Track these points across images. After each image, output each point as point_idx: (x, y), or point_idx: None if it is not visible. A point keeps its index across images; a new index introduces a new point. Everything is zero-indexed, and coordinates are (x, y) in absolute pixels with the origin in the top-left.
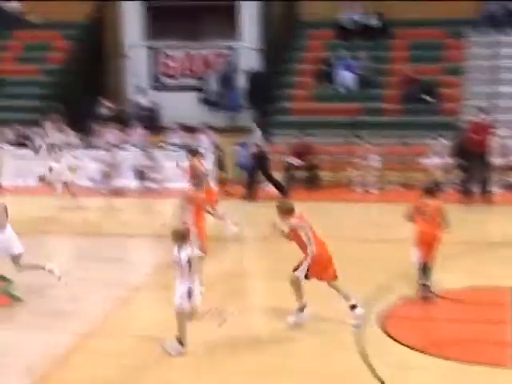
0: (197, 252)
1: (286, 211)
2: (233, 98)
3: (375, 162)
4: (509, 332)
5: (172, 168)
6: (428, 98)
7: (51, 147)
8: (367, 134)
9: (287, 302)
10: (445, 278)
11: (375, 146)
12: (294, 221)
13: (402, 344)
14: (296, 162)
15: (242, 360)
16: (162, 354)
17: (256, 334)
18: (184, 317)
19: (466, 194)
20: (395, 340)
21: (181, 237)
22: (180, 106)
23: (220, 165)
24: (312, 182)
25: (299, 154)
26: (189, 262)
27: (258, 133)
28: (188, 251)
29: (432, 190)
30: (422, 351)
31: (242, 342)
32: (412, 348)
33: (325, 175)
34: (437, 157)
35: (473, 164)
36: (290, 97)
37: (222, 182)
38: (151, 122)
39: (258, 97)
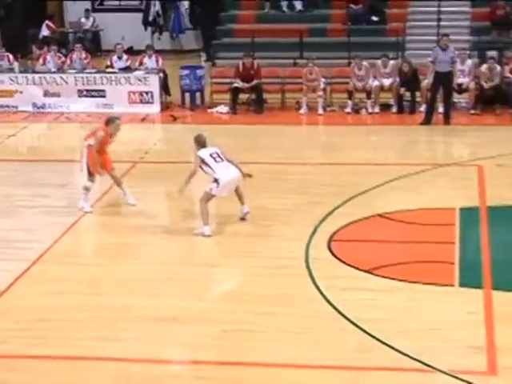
0: None
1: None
2: (177, 19)
3: (322, 84)
4: (455, 252)
5: (114, 92)
6: (374, 18)
7: None
8: (314, 56)
9: None
10: (394, 199)
11: (321, 67)
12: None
13: (350, 266)
14: (241, 84)
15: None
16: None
17: (205, 257)
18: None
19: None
20: (343, 262)
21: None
22: (123, 28)
23: (164, 88)
24: (258, 105)
25: (245, 76)
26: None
27: None
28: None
29: None
30: (369, 272)
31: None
32: (360, 269)
33: (271, 97)
34: (384, 77)
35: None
36: (234, 18)
37: (166, 106)
38: (93, 44)
39: (202, 18)
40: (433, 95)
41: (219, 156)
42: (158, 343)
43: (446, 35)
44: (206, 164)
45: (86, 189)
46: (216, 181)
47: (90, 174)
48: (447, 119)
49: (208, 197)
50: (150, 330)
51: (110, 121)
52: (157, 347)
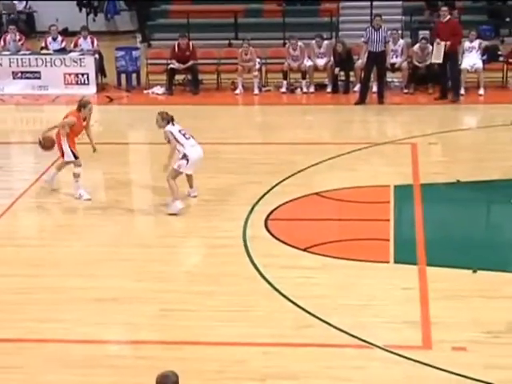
0: None
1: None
2: (111, 0)
3: (257, 64)
4: (390, 229)
5: (50, 73)
6: None
7: None
8: (248, 36)
9: None
10: (330, 178)
11: (256, 48)
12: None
13: (287, 244)
14: (177, 65)
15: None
16: (41, 261)
17: (144, 238)
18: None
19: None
20: (280, 240)
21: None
22: (58, 9)
23: (100, 70)
24: (194, 86)
25: (180, 57)
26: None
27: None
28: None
29: None
30: (306, 250)
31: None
32: (297, 248)
33: (206, 78)
34: (319, 57)
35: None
36: None
37: (102, 87)
38: (28, 26)
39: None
40: (367, 75)
41: (187, 133)
42: (99, 324)
43: (379, 15)
44: (176, 139)
45: (78, 175)
46: (185, 157)
47: (76, 157)
48: (381, 98)
49: (176, 174)
50: (91, 311)
51: (82, 106)
52: (98, 328)
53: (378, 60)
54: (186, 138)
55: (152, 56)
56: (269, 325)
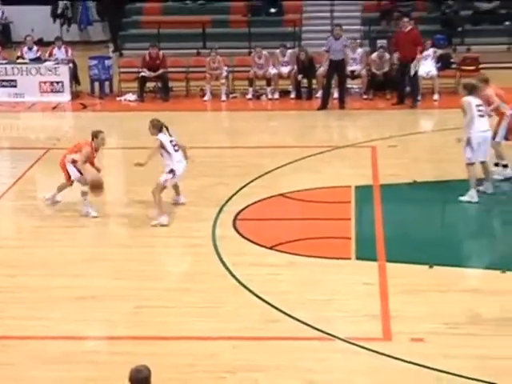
0: None
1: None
2: (84, 12)
3: (224, 72)
4: (351, 228)
5: (26, 82)
6: (273, 10)
7: None
8: (216, 45)
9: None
10: (295, 180)
11: (223, 57)
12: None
13: (255, 243)
14: (148, 73)
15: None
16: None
17: (120, 238)
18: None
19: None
20: (248, 239)
21: None
22: (33, 20)
23: (74, 78)
24: (164, 93)
25: (151, 65)
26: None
27: None
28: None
29: None
30: (272, 249)
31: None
32: (264, 246)
33: (176, 85)
34: (283, 65)
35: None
36: (140, 10)
37: (76, 95)
38: (3, 36)
39: (108, 10)
40: (328, 82)
41: (177, 144)
42: (79, 321)
43: (339, 25)
44: (166, 150)
45: (86, 193)
46: (172, 171)
47: (81, 174)
48: (342, 104)
49: (162, 188)
50: (72, 309)
51: (94, 136)
52: (77, 325)
53: (338, 68)
54: (175, 150)
55: (124, 65)
56: (238, 319)
